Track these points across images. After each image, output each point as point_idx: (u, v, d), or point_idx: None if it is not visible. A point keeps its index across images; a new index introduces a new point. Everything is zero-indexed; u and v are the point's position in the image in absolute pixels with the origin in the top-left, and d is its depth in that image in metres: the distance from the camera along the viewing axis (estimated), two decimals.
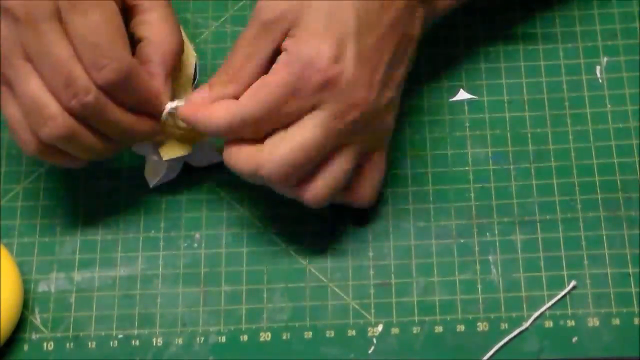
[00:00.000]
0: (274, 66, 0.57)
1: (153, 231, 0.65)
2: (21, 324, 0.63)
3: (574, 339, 0.61)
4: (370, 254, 0.64)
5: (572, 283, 0.63)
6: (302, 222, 0.65)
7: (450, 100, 0.68)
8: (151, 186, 0.65)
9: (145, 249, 0.65)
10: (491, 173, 0.66)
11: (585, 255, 0.63)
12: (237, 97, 0.58)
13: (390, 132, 0.61)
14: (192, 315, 0.63)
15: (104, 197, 0.66)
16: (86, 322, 0.63)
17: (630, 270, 0.63)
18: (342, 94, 0.56)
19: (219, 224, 0.65)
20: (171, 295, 0.64)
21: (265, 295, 0.63)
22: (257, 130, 0.57)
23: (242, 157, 0.58)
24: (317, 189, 0.59)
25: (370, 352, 0.62)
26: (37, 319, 0.63)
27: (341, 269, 0.64)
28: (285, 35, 0.57)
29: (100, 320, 0.63)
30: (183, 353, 0.62)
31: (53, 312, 0.63)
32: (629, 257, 0.63)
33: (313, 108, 0.56)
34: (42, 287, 0.64)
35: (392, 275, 0.64)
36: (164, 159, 0.62)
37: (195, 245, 0.65)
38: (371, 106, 0.57)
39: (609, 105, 0.67)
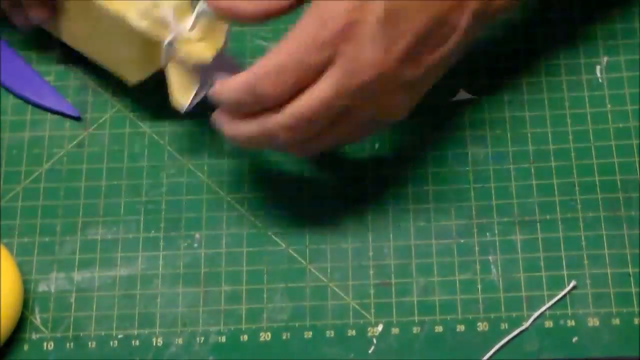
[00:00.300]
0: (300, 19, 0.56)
1: (153, 231, 0.66)
2: (21, 324, 0.63)
3: (574, 339, 0.61)
4: (370, 254, 0.64)
5: (572, 283, 0.63)
6: (302, 222, 0.65)
7: (450, 100, 0.68)
8: (184, 111, 0.64)
9: (145, 249, 0.65)
10: (491, 173, 0.66)
11: (585, 255, 0.63)
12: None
13: (394, 118, 0.60)
14: (192, 315, 0.63)
15: (104, 197, 0.66)
16: (86, 322, 0.63)
17: (630, 270, 0.63)
18: (358, 48, 0.54)
19: (219, 224, 0.65)
20: (171, 295, 0.64)
21: (265, 295, 0.63)
22: (282, 87, 0.56)
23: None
24: (316, 149, 0.60)
25: (370, 352, 0.62)
26: (37, 319, 0.63)
27: (341, 269, 0.64)
28: None
29: (100, 320, 0.63)
30: (183, 353, 0.62)
31: (53, 312, 0.63)
32: (629, 257, 0.63)
33: (331, 61, 0.55)
34: (42, 287, 0.64)
35: (392, 275, 0.64)
36: (191, 62, 0.62)
37: (195, 245, 0.65)
38: (388, 73, 0.55)
39: (609, 105, 0.67)
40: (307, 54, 0.55)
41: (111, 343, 0.62)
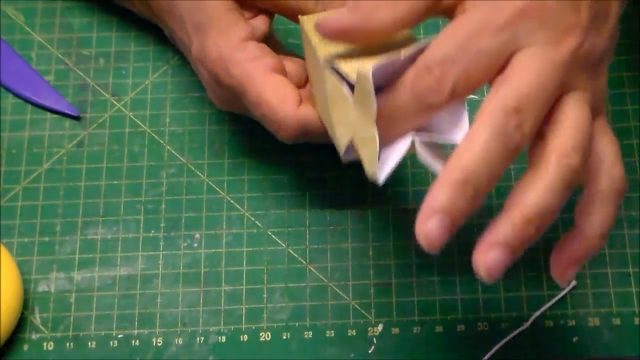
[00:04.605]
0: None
1: (153, 231, 0.66)
2: (21, 324, 0.63)
3: (574, 339, 0.61)
4: (370, 254, 0.64)
5: (572, 283, 0.63)
6: (302, 222, 0.65)
7: None
8: (381, 180, 0.53)
9: (145, 249, 0.65)
10: None
11: None
12: None
13: (605, 95, 0.52)
14: (192, 315, 0.63)
15: (104, 196, 0.66)
16: (86, 322, 0.63)
17: (631, 270, 0.63)
18: (545, 18, 0.48)
19: (219, 224, 0.65)
20: (171, 295, 0.64)
21: (265, 295, 0.63)
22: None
23: None
24: (560, 149, 0.49)
25: (370, 352, 0.62)
26: (37, 319, 0.63)
27: (341, 269, 0.64)
28: None
29: (100, 320, 0.63)
30: (183, 353, 0.62)
31: (53, 312, 0.63)
32: (629, 257, 0.63)
33: (510, 45, 0.48)
34: (42, 287, 0.64)
35: (392, 275, 0.64)
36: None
37: (195, 245, 0.65)
38: (585, 35, 0.49)
39: (609, 105, 0.67)
40: (476, 41, 0.48)
41: (111, 343, 0.62)
